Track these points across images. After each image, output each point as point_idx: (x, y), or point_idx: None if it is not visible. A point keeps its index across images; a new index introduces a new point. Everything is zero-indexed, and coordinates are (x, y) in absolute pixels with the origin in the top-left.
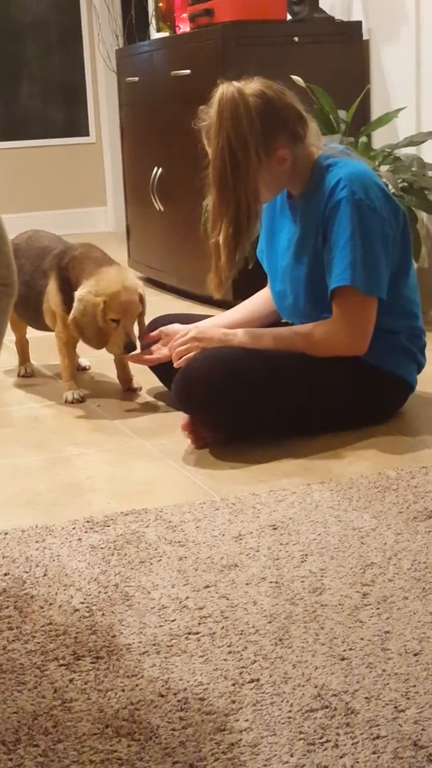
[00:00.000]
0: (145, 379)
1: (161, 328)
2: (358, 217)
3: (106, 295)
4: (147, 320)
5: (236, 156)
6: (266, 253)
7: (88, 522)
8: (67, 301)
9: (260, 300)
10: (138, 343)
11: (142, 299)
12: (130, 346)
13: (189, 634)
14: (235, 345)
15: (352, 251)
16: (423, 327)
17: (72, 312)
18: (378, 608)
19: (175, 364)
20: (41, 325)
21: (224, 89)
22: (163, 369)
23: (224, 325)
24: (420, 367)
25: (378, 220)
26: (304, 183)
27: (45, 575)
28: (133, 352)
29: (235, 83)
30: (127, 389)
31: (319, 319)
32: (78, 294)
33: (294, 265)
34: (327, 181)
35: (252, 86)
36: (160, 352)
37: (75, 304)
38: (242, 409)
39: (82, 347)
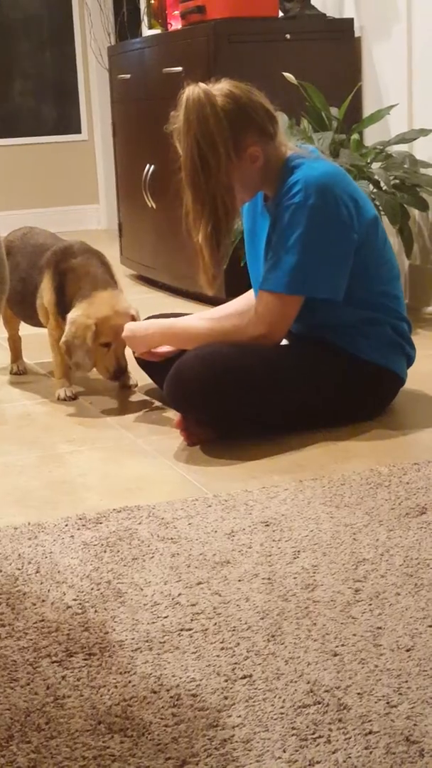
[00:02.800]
0: (138, 377)
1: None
2: (306, 223)
3: (98, 319)
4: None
5: (205, 156)
6: (249, 255)
7: (80, 519)
8: (60, 302)
9: (245, 301)
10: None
11: (134, 318)
12: (118, 372)
13: (181, 630)
14: (157, 340)
15: (292, 258)
16: (407, 318)
17: (64, 335)
18: (370, 604)
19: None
20: (37, 321)
21: (190, 91)
22: (154, 368)
23: (220, 316)
24: (410, 359)
25: (331, 225)
26: (275, 184)
27: (37, 572)
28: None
29: (202, 84)
30: (123, 386)
31: (301, 318)
32: (70, 317)
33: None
34: (288, 182)
35: (219, 86)
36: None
37: (67, 327)
38: (234, 408)
39: None
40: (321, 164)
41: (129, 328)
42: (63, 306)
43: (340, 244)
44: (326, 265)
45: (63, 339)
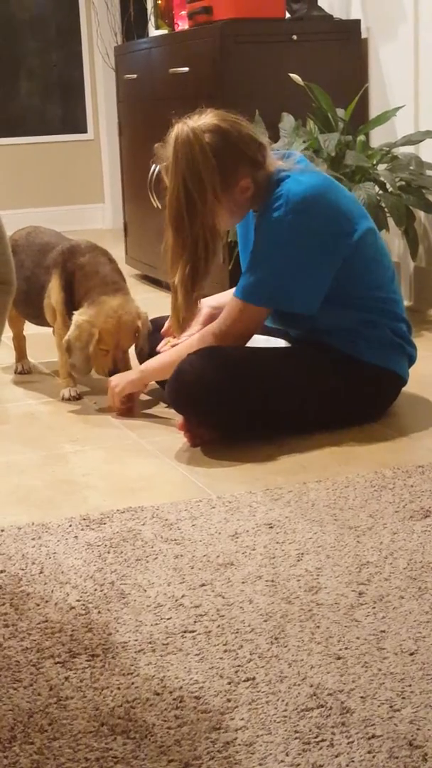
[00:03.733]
0: None
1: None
2: (283, 238)
3: (102, 329)
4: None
5: (191, 197)
6: (243, 260)
7: (84, 519)
8: (68, 301)
9: None
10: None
11: (138, 331)
12: (113, 373)
13: (185, 632)
14: (144, 379)
15: (263, 270)
16: (407, 319)
17: (67, 334)
18: (374, 607)
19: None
20: (42, 321)
21: (178, 130)
22: None
23: (220, 304)
24: (411, 359)
25: (309, 241)
26: (263, 200)
27: (41, 573)
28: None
29: (189, 122)
30: None
31: (292, 322)
32: (76, 318)
33: None
34: (274, 195)
35: (205, 121)
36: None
37: (71, 328)
38: (235, 411)
39: None
40: (307, 177)
41: (119, 386)
42: (71, 305)
43: (315, 259)
44: (296, 280)
45: (65, 338)
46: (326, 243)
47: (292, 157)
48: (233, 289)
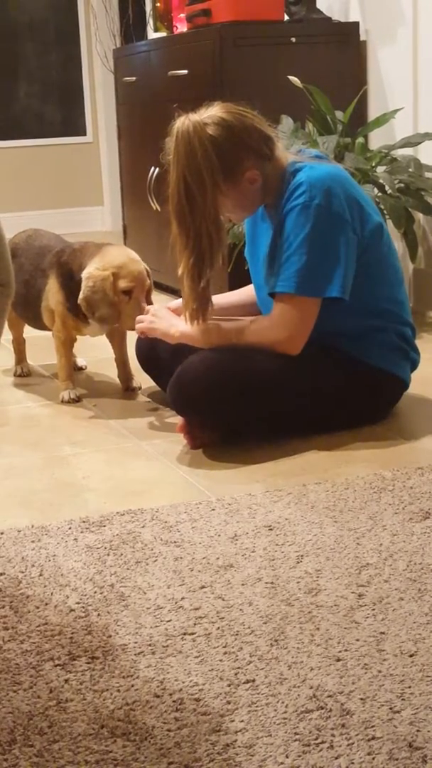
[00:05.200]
0: (142, 379)
1: (151, 308)
2: (313, 223)
3: (114, 267)
4: None
5: (191, 189)
6: (250, 259)
7: (84, 522)
8: (70, 297)
9: (247, 293)
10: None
11: (148, 273)
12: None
13: (184, 634)
14: (176, 337)
15: (301, 259)
16: (412, 323)
17: (81, 291)
18: (373, 609)
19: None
20: (40, 324)
21: (180, 123)
22: (158, 372)
23: (220, 305)
24: (414, 364)
25: (337, 224)
26: (276, 192)
27: (41, 575)
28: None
29: (192, 115)
30: (127, 388)
31: None
32: (85, 273)
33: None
34: (291, 185)
35: (210, 114)
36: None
37: (84, 283)
38: (237, 412)
39: (79, 347)
40: (323, 166)
41: (158, 310)
42: (71, 300)
43: (345, 242)
44: (334, 264)
45: (81, 296)
46: (349, 225)
47: (306, 153)
48: (224, 295)
